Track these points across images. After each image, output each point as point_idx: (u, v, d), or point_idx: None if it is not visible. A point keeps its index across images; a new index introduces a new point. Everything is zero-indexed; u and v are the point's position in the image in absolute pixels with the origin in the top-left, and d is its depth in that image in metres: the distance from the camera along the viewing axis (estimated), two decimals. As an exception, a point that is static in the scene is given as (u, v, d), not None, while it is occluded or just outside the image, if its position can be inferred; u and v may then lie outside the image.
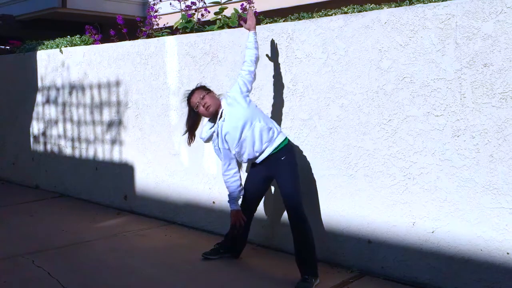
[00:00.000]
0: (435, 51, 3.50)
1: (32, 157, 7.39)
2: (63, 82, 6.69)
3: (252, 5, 5.42)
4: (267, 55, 4.42)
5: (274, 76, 4.40)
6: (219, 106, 3.93)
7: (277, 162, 3.84)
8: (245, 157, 3.91)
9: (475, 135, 3.38)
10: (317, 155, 4.16)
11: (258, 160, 3.91)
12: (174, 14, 6.43)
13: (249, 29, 4.09)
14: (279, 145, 3.85)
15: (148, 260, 4.27)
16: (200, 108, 3.91)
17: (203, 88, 4.03)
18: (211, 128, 3.99)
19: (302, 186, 3.93)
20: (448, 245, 3.53)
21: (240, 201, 4.09)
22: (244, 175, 4.38)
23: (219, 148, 3.98)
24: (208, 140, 4.05)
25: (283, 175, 3.83)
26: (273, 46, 4.38)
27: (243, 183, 4.07)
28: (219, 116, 3.91)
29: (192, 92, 4.02)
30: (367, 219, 3.91)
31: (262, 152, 3.86)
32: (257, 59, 4.02)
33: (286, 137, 3.93)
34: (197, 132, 4.09)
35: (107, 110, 6.08)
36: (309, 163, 4.20)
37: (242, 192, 4.05)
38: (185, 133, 4.07)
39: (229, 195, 4.04)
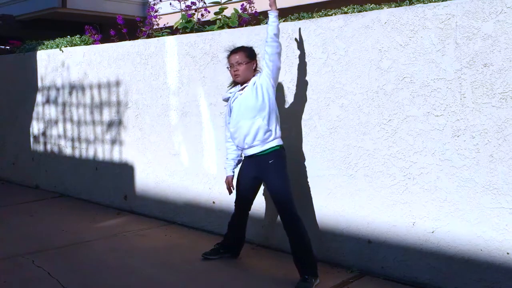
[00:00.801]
0: (435, 51, 3.50)
1: (32, 157, 7.39)
2: (63, 82, 6.69)
3: (252, 4, 5.42)
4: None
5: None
6: (248, 80, 3.89)
7: (265, 165, 3.82)
8: (236, 142, 3.94)
9: (475, 135, 3.38)
10: (317, 155, 4.16)
11: (245, 154, 3.93)
12: (174, 14, 6.43)
13: (272, 5, 3.85)
14: (270, 148, 3.81)
15: (148, 260, 4.27)
16: (231, 70, 3.92)
17: (245, 53, 3.91)
18: (230, 92, 4.02)
19: (302, 186, 3.93)
20: (448, 245, 3.53)
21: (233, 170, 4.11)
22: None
23: (227, 114, 4.03)
24: (225, 100, 4.08)
25: (270, 177, 3.82)
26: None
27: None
28: (241, 87, 3.92)
29: (234, 51, 3.94)
30: (367, 219, 3.91)
31: (250, 147, 3.84)
32: (278, 38, 3.80)
33: (280, 144, 3.87)
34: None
35: (107, 110, 6.08)
36: (309, 163, 4.20)
37: (239, 159, 4.08)
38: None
39: (226, 160, 4.10)
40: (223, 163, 4.41)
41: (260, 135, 3.79)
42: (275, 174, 3.80)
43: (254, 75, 3.90)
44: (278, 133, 3.88)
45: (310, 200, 4.18)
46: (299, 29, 4.21)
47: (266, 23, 4.59)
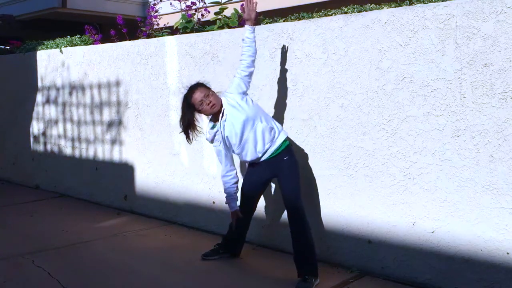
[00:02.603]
0: (435, 51, 3.50)
1: (32, 157, 7.39)
2: (63, 82, 6.69)
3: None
4: (267, 55, 4.43)
5: (274, 76, 4.40)
6: (221, 105, 3.85)
7: (280, 163, 3.82)
8: (248, 158, 3.86)
9: (475, 135, 3.38)
10: (317, 155, 4.16)
11: (260, 160, 3.89)
12: (174, 14, 6.43)
13: (248, 20, 3.94)
14: (281, 145, 3.82)
15: (148, 260, 4.27)
16: (205, 106, 3.78)
17: (204, 86, 3.87)
18: (212, 128, 3.89)
19: (302, 186, 3.93)
20: (448, 245, 3.53)
21: (238, 202, 4.09)
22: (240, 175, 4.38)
23: (221, 150, 3.91)
24: (212, 140, 3.94)
25: (286, 176, 3.82)
26: (273, 46, 4.38)
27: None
28: (221, 115, 3.82)
29: (193, 89, 3.84)
30: (367, 219, 3.91)
31: (265, 152, 3.82)
32: (255, 56, 3.91)
33: (286, 136, 3.91)
34: (198, 130, 4.02)
35: (107, 110, 6.08)
36: (309, 163, 4.20)
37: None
38: (182, 131, 3.91)
39: (228, 196, 4.02)
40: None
41: (267, 136, 3.79)
42: (289, 172, 3.81)
43: (220, 102, 3.82)
44: (279, 126, 3.91)
45: (310, 200, 4.18)
46: (299, 29, 4.21)
47: (266, 23, 4.61)
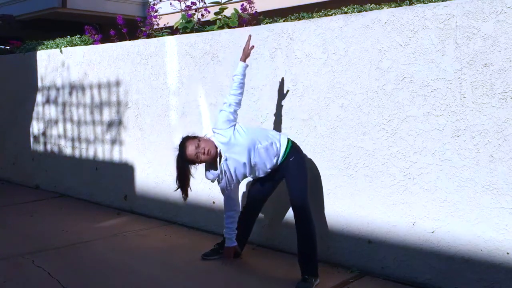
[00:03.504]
0: (435, 51, 3.50)
1: (32, 157, 7.39)
2: (63, 82, 6.69)
3: (252, 4, 5.41)
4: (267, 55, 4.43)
5: (274, 76, 4.40)
6: (215, 146, 3.75)
7: (287, 165, 3.85)
8: (260, 175, 3.91)
9: (475, 135, 3.38)
10: (317, 155, 4.16)
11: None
12: (174, 14, 6.43)
13: (242, 61, 3.98)
14: (285, 150, 3.85)
15: (148, 260, 4.27)
16: (201, 156, 3.70)
17: (190, 137, 3.80)
18: (212, 170, 3.82)
19: (302, 186, 3.93)
20: (448, 245, 3.53)
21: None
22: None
23: (230, 187, 3.89)
24: (215, 180, 3.87)
25: (293, 176, 3.84)
26: (273, 46, 4.38)
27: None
28: (218, 158, 3.75)
29: (183, 146, 3.75)
30: (367, 219, 3.91)
31: (274, 165, 3.86)
32: (243, 89, 3.93)
33: (287, 138, 3.92)
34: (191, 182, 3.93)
35: (107, 110, 6.08)
36: (309, 163, 4.20)
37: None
38: (178, 189, 3.84)
39: (229, 230, 4.03)
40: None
41: (272, 152, 3.81)
42: (297, 172, 3.83)
43: (213, 145, 3.75)
44: (276, 134, 3.93)
45: (310, 200, 4.17)
46: (299, 29, 4.21)
47: (266, 23, 4.61)
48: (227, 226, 4.09)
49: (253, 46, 4.07)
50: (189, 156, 3.73)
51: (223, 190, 4.00)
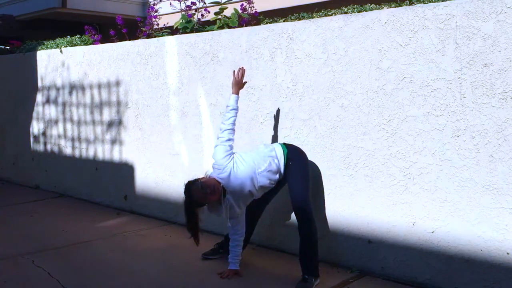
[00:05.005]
0: (435, 51, 3.50)
1: (32, 157, 7.39)
2: (63, 82, 6.69)
3: (252, 4, 5.41)
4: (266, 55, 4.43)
5: (274, 76, 4.40)
6: (218, 181, 3.71)
7: (288, 169, 3.84)
8: (267, 189, 3.92)
9: (475, 135, 3.38)
10: (317, 155, 4.16)
11: None
12: (174, 14, 6.43)
13: (235, 93, 3.98)
14: (284, 161, 3.84)
15: (148, 260, 4.27)
16: (210, 197, 3.65)
17: (192, 182, 3.74)
18: (219, 209, 3.80)
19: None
20: (448, 245, 3.53)
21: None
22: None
23: (238, 215, 3.86)
24: (220, 213, 3.84)
25: (294, 178, 3.83)
26: (273, 46, 4.38)
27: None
28: (222, 193, 3.72)
29: (189, 190, 3.70)
30: (367, 219, 3.91)
31: (279, 178, 3.88)
32: (235, 121, 3.92)
33: (281, 147, 3.89)
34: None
35: (107, 110, 6.08)
36: (309, 163, 4.20)
37: None
38: (192, 236, 3.81)
39: (233, 257, 3.96)
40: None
41: (273, 169, 3.80)
42: (298, 174, 3.83)
43: (216, 182, 3.70)
44: (271, 148, 3.89)
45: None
46: (299, 29, 4.20)
47: (266, 23, 4.61)
48: (232, 250, 3.98)
49: (245, 82, 4.12)
50: (199, 199, 3.68)
51: (236, 221, 3.92)
